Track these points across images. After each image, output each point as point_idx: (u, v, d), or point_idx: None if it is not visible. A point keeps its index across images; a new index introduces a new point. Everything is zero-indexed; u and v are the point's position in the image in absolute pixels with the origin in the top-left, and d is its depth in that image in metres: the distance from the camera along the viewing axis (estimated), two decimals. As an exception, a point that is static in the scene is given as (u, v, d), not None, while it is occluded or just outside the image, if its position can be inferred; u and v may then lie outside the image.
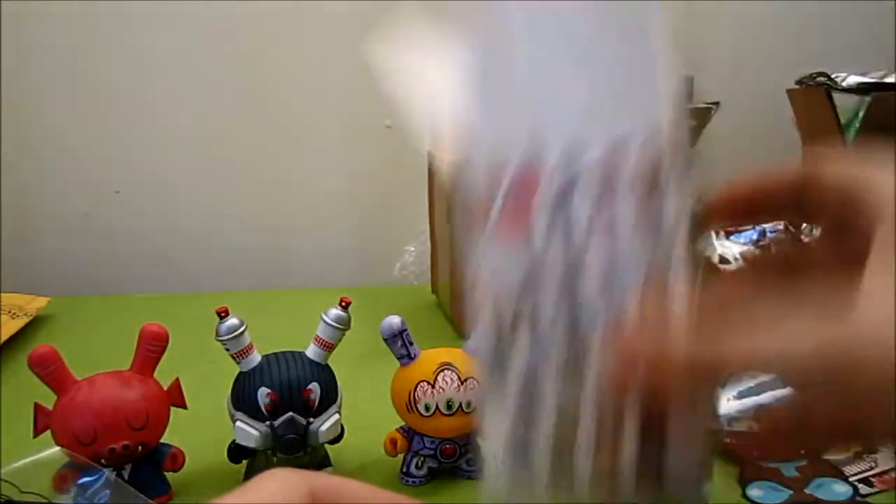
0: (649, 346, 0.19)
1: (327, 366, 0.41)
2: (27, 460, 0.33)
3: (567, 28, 0.20)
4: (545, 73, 0.20)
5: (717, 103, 0.55)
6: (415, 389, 0.39)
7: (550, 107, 0.20)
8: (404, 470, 0.42)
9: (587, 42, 0.20)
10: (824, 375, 0.17)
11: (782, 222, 0.72)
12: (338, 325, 0.40)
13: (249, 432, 0.39)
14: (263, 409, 0.38)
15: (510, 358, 0.21)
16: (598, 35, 0.20)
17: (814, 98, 0.73)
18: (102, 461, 0.37)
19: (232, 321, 0.39)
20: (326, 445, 0.42)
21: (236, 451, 0.41)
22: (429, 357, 0.41)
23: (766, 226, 0.72)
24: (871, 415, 0.18)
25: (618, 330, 0.20)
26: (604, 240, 0.20)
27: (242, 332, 0.39)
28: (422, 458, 0.42)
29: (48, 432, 0.38)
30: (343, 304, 0.41)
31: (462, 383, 0.40)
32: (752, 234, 0.73)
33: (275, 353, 0.40)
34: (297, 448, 0.39)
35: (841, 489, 0.37)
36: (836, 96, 0.70)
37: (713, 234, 0.73)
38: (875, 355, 0.17)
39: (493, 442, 0.21)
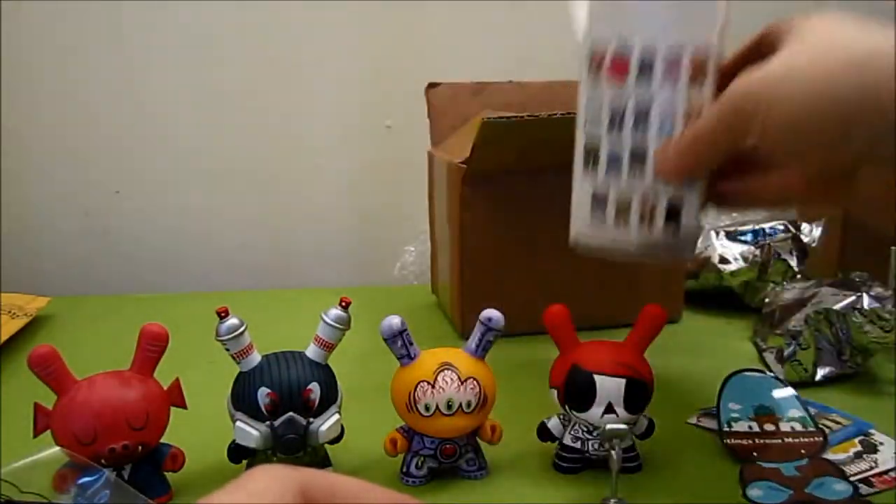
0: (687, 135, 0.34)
1: (327, 366, 0.41)
2: (27, 460, 0.33)
3: None
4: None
5: None
6: (415, 389, 0.39)
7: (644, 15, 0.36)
8: (404, 470, 0.42)
9: None
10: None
11: (782, 222, 0.72)
12: (338, 325, 0.40)
13: (249, 432, 0.38)
14: (263, 409, 0.38)
15: (601, 148, 0.36)
16: None
17: (814, 98, 0.73)
18: (102, 461, 0.37)
19: (232, 321, 0.39)
20: (326, 445, 0.42)
21: (236, 451, 0.41)
22: (429, 357, 0.41)
23: (766, 225, 0.72)
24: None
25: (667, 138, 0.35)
26: (665, 96, 0.35)
27: (242, 332, 0.39)
28: (422, 458, 0.42)
29: (48, 432, 0.38)
30: (343, 304, 0.41)
31: (462, 383, 0.39)
32: (750, 234, 0.73)
33: (275, 353, 0.40)
34: (297, 448, 0.39)
35: (841, 489, 0.36)
36: (836, 96, 0.70)
37: (713, 235, 0.73)
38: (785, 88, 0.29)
39: (583, 200, 0.37)
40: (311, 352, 0.41)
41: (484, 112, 0.66)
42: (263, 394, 0.39)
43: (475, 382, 0.40)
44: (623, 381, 0.39)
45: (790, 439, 0.42)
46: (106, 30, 0.87)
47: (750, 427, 0.43)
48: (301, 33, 0.89)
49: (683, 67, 0.35)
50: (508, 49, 0.91)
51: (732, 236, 0.72)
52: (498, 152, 0.58)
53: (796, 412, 0.44)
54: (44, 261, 0.92)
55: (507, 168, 0.61)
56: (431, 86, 0.73)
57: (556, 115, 0.53)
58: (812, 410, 0.45)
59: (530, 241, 0.64)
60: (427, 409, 0.39)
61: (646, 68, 0.35)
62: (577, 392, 0.40)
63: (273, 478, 0.19)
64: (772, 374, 0.49)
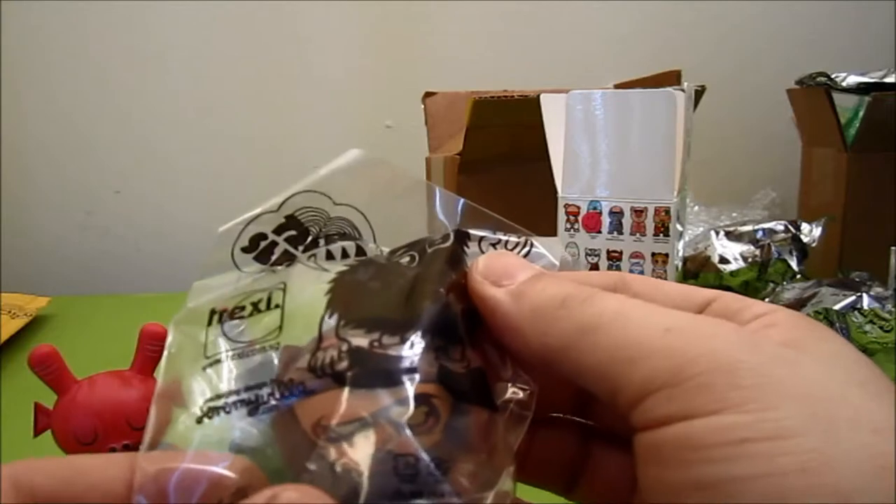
0: None
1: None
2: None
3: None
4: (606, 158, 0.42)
5: (703, 87, 0.55)
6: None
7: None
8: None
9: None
10: None
11: (782, 222, 0.72)
12: None
13: (250, 431, 0.39)
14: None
15: None
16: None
17: (814, 98, 0.73)
18: (102, 461, 0.37)
19: (232, 321, 0.39)
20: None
21: (236, 451, 0.41)
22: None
23: (766, 225, 0.72)
24: None
25: None
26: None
27: (242, 332, 0.39)
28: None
29: (48, 432, 0.38)
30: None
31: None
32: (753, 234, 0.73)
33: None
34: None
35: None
36: (836, 96, 0.70)
37: (713, 235, 0.73)
38: None
39: None
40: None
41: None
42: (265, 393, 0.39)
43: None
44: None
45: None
46: (106, 29, 0.87)
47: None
48: (302, 34, 0.89)
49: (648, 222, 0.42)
50: (509, 53, 0.91)
51: (732, 236, 0.72)
52: (491, 136, 0.58)
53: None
54: (44, 261, 0.92)
55: (502, 155, 0.61)
56: (428, 94, 0.73)
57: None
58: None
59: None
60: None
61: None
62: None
63: None
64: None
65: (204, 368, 0.20)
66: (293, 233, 0.22)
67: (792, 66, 0.77)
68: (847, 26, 0.90)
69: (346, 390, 0.17)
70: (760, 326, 0.17)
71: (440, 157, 0.67)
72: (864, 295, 0.53)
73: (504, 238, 0.22)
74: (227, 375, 0.19)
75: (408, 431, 0.17)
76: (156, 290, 0.88)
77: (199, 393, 0.19)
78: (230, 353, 0.20)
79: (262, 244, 0.21)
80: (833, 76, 0.70)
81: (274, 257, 0.21)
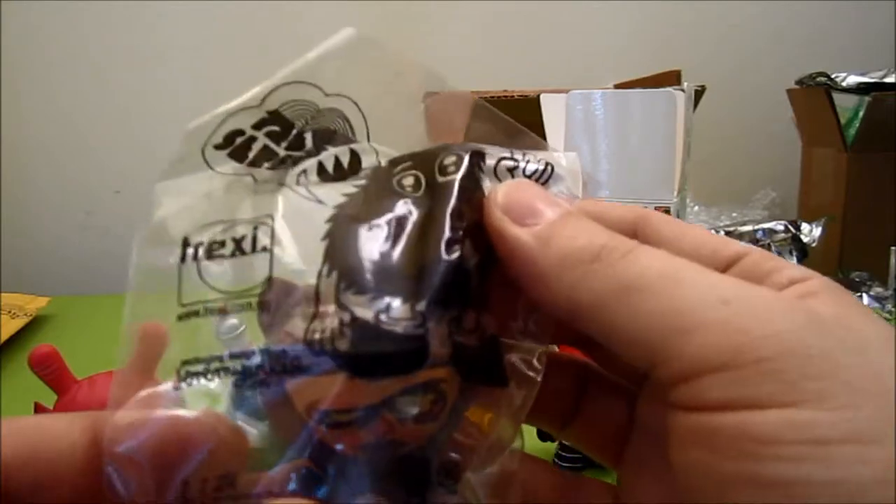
0: None
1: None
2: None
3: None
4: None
5: (703, 86, 0.55)
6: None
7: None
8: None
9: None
10: None
11: (782, 222, 0.72)
12: None
13: (249, 431, 0.39)
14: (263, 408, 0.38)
15: None
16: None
17: (814, 98, 0.73)
18: (102, 461, 0.37)
19: (232, 321, 0.39)
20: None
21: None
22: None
23: (766, 225, 0.72)
24: None
25: None
26: None
27: (242, 332, 0.39)
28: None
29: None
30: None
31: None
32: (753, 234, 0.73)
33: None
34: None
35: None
36: (836, 96, 0.70)
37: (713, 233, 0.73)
38: None
39: None
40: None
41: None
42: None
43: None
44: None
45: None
46: (106, 29, 0.87)
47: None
48: (302, 34, 0.89)
49: None
50: (509, 53, 0.91)
51: (733, 236, 0.72)
52: (490, 134, 0.58)
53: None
54: (44, 261, 0.92)
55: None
56: (428, 94, 0.73)
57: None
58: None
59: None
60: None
61: None
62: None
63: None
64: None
65: (179, 318, 0.17)
66: (275, 128, 0.18)
67: (792, 66, 0.77)
68: (847, 26, 0.90)
69: (347, 375, 0.15)
70: (799, 294, 0.16)
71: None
72: (864, 295, 0.53)
73: (522, 162, 0.19)
74: (207, 335, 0.17)
75: (412, 421, 0.15)
76: (156, 290, 0.88)
77: (175, 350, 0.17)
78: (209, 306, 0.17)
79: (239, 140, 0.18)
80: (833, 76, 0.70)
81: (252, 154, 0.18)
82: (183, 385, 0.16)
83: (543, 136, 0.49)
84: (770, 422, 0.14)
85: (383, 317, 0.15)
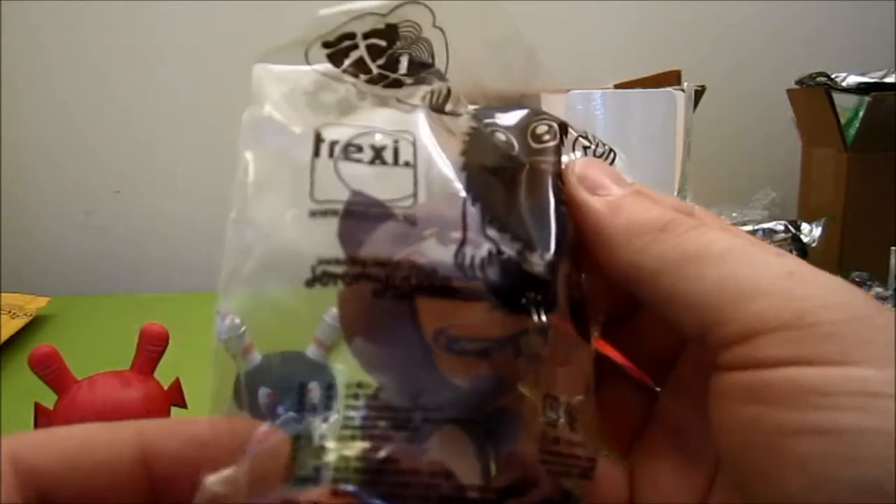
0: None
1: (327, 365, 0.41)
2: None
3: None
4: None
5: (703, 86, 0.55)
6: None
7: None
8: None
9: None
10: None
11: (782, 222, 0.72)
12: (338, 325, 0.40)
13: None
14: (263, 408, 0.38)
15: None
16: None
17: (814, 98, 0.73)
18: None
19: (233, 320, 0.39)
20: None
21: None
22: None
23: (766, 225, 0.72)
24: None
25: None
26: None
27: (243, 333, 0.39)
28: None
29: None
30: (343, 303, 0.41)
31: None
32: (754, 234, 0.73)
33: (275, 353, 0.40)
34: (297, 448, 0.39)
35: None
36: (836, 96, 0.70)
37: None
38: None
39: None
40: (311, 351, 0.41)
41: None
42: (264, 393, 0.39)
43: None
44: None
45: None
46: (106, 29, 0.87)
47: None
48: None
49: None
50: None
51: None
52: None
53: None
54: (44, 261, 0.92)
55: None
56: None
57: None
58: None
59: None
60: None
61: None
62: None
63: None
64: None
65: (312, 214, 0.16)
66: (380, 42, 0.18)
67: (792, 66, 0.77)
68: (847, 26, 0.90)
69: (489, 304, 0.16)
70: None
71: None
72: (864, 295, 0.53)
73: (593, 144, 0.21)
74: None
75: (526, 362, 0.16)
76: (156, 290, 0.88)
77: (308, 246, 0.16)
78: (350, 209, 0.16)
79: (345, 44, 0.18)
80: (833, 76, 0.70)
81: (347, 62, 0.18)
82: (317, 285, 0.16)
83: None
84: (824, 375, 0.14)
85: (522, 257, 0.16)
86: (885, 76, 0.69)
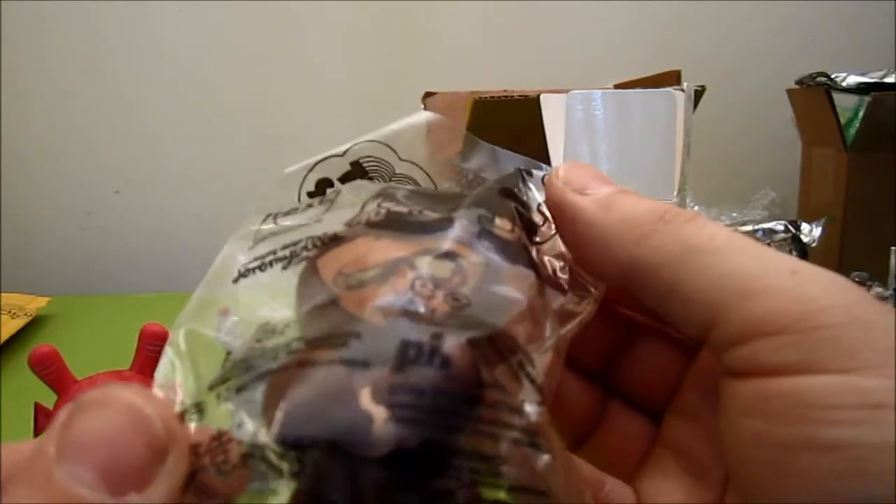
0: None
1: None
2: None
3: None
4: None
5: (703, 87, 0.55)
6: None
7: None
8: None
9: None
10: None
11: (782, 222, 0.72)
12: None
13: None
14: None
15: None
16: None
17: (814, 98, 0.73)
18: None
19: (232, 319, 0.39)
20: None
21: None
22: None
23: (766, 225, 0.72)
24: None
25: None
26: None
27: (243, 332, 0.39)
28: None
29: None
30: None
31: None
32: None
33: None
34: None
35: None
36: (836, 96, 0.70)
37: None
38: None
39: None
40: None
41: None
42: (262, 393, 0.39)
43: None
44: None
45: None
46: (106, 29, 0.87)
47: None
48: (302, 34, 0.89)
49: None
50: (509, 53, 0.91)
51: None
52: (491, 136, 0.58)
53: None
54: (44, 261, 0.92)
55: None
56: (428, 94, 0.73)
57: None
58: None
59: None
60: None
61: None
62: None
63: None
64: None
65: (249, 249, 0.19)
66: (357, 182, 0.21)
67: (792, 66, 0.77)
68: (847, 26, 0.90)
69: (374, 237, 0.17)
70: None
71: (440, 158, 0.67)
72: (864, 295, 0.53)
73: None
74: (267, 246, 0.19)
75: (431, 284, 0.15)
76: (156, 290, 0.88)
77: (240, 262, 0.19)
78: (275, 238, 0.19)
79: (329, 191, 0.20)
80: (833, 76, 0.70)
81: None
82: (241, 280, 0.18)
83: (543, 137, 0.49)
84: (826, 386, 0.14)
85: (416, 210, 0.17)
86: (885, 76, 0.69)
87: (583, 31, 0.91)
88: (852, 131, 0.70)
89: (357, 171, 0.21)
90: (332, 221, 0.18)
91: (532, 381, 0.15)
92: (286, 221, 0.19)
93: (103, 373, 0.39)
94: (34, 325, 0.69)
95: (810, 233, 0.72)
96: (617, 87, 0.66)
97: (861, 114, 0.69)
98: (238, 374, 0.15)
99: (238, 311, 0.18)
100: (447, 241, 0.16)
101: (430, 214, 0.17)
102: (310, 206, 0.19)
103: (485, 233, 0.17)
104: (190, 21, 0.87)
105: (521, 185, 0.20)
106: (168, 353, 0.18)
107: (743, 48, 0.91)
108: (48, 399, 0.38)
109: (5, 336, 0.62)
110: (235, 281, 0.18)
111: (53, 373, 0.38)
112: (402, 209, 0.17)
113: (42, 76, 0.87)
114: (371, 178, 0.21)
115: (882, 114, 0.67)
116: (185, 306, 0.18)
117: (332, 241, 0.17)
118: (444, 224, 0.17)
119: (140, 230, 0.93)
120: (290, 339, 0.16)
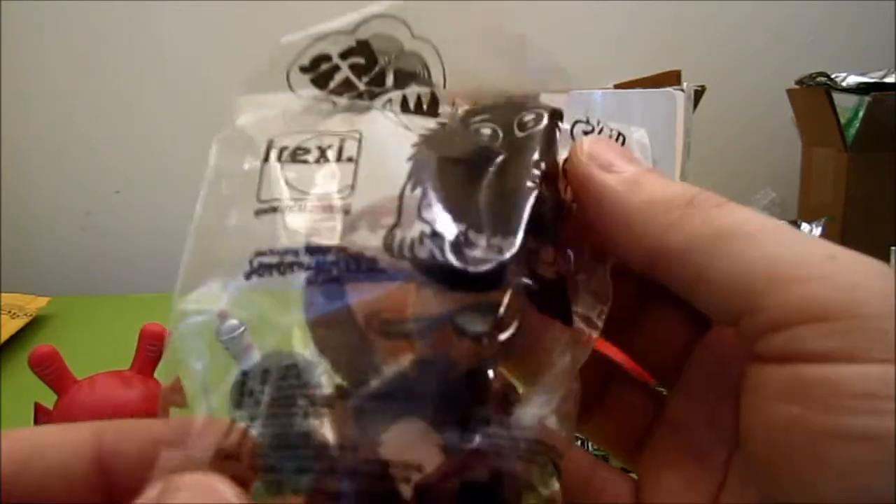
0: None
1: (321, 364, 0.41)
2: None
3: None
4: None
5: (703, 86, 0.55)
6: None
7: None
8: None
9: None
10: None
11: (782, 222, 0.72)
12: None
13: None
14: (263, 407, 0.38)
15: None
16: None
17: (814, 98, 0.73)
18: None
19: (232, 321, 0.39)
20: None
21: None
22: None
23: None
24: None
25: None
26: None
27: (242, 333, 0.39)
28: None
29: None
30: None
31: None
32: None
33: (275, 354, 0.40)
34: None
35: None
36: (836, 96, 0.70)
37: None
38: None
39: None
40: (312, 352, 0.41)
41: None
42: (262, 391, 0.39)
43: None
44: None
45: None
46: (106, 29, 0.87)
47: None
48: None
49: None
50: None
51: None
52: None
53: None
54: (44, 261, 0.92)
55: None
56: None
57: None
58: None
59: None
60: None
61: None
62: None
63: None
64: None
65: (256, 214, 0.17)
66: (360, 60, 0.18)
67: (792, 66, 0.77)
68: (847, 26, 0.90)
69: (417, 284, 0.15)
70: None
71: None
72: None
73: (597, 129, 0.20)
74: (285, 230, 0.16)
75: (470, 339, 0.15)
76: (156, 290, 0.88)
77: (251, 245, 0.16)
78: (290, 205, 0.17)
79: (324, 66, 0.18)
80: (833, 76, 0.70)
81: (333, 83, 0.18)
82: (254, 277, 0.16)
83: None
84: (868, 376, 0.13)
85: (462, 238, 0.16)
86: (885, 76, 0.69)
87: (583, 31, 0.91)
88: (852, 131, 0.70)
89: (362, 50, 0.18)
90: (362, 198, 0.16)
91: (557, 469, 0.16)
92: (299, 176, 0.17)
93: (103, 373, 0.39)
94: (34, 325, 0.69)
95: (810, 233, 0.72)
96: (617, 87, 0.66)
97: (861, 114, 0.69)
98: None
99: (240, 314, 0.18)
100: (495, 293, 0.16)
101: (477, 250, 0.16)
102: (323, 154, 0.17)
103: (533, 274, 0.16)
104: (190, 21, 0.87)
105: (556, 143, 0.18)
106: (168, 353, 0.17)
107: (743, 48, 0.91)
108: (48, 399, 0.38)
109: (5, 336, 0.62)
110: (248, 277, 0.17)
111: (53, 373, 0.38)
112: (449, 232, 0.16)
113: (42, 76, 0.87)
114: (376, 60, 0.18)
115: (882, 114, 0.67)
116: (181, 273, 0.17)
117: (367, 271, 0.16)
118: (492, 271, 0.15)
119: (140, 230, 0.93)
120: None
